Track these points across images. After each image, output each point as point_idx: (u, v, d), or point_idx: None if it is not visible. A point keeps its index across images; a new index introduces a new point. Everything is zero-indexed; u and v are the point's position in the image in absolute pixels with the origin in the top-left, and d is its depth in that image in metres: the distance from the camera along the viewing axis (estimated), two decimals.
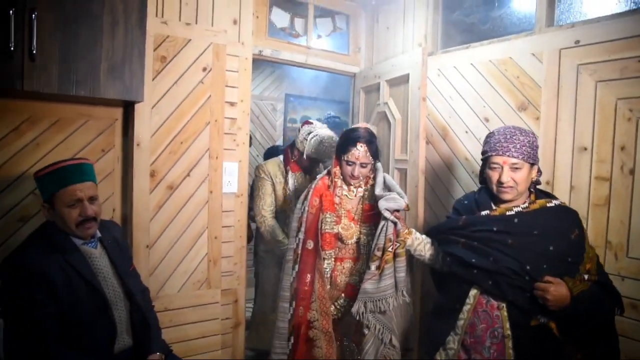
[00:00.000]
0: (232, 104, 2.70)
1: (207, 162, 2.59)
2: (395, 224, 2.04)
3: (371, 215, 2.22)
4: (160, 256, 2.48)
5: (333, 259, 2.23)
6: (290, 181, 2.88)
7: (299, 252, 2.20)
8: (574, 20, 2.37)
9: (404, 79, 2.84)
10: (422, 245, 2.13)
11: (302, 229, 2.22)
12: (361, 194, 2.29)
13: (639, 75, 2.07)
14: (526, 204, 1.87)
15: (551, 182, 2.38)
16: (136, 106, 2.35)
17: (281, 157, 3.02)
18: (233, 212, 2.76)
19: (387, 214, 2.04)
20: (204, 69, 2.53)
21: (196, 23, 2.50)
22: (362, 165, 2.19)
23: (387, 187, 2.17)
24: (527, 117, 2.49)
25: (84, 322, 1.71)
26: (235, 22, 2.67)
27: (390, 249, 2.02)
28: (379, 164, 2.29)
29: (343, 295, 2.23)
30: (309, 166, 2.92)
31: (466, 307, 1.84)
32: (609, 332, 1.80)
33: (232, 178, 2.75)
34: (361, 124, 2.33)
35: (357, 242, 2.25)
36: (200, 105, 2.54)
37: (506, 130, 1.87)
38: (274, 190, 2.89)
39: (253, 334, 3.14)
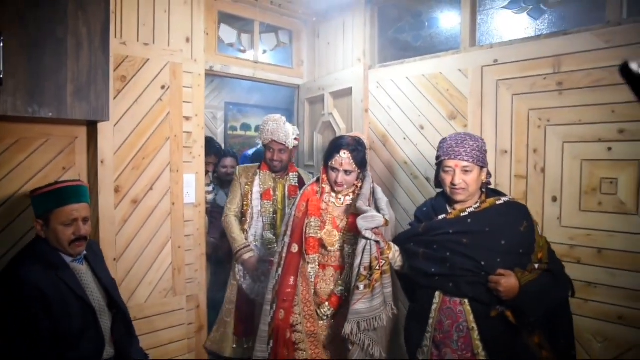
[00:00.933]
0: (187, 118, 2.82)
1: (169, 176, 2.71)
2: (377, 242, 2.03)
3: (355, 225, 2.18)
4: (128, 268, 2.57)
5: (317, 264, 2.25)
6: (256, 181, 2.94)
7: (284, 255, 2.24)
8: (493, 42, 2.77)
9: (347, 92, 3.11)
10: (398, 256, 2.16)
11: (288, 232, 2.27)
12: (348, 203, 2.31)
13: (546, 90, 2.48)
14: (477, 204, 2.00)
15: None
16: (99, 125, 2.42)
17: None
18: (192, 222, 2.89)
19: (368, 234, 2.02)
20: (163, 87, 2.65)
21: (154, 43, 2.61)
22: (346, 173, 2.22)
23: (375, 200, 2.22)
24: (456, 124, 2.86)
25: (74, 334, 1.80)
26: (188, 40, 2.80)
27: (377, 268, 2.01)
28: (368, 174, 2.33)
29: (327, 304, 2.23)
30: (274, 161, 2.91)
31: (433, 307, 1.97)
32: (562, 314, 1.95)
33: (190, 189, 2.88)
34: (352, 133, 2.42)
35: (341, 250, 2.25)
36: (160, 121, 2.65)
37: (457, 136, 2.01)
38: (241, 191, 2.97)
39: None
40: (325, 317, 2.22)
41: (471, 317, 1.89)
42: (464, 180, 1.94)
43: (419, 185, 3.07)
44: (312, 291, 2.21)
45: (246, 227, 2.92)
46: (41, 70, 2.05)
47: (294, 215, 2.28)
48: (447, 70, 2.90)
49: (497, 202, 1.99)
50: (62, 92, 2.11)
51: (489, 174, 2.06)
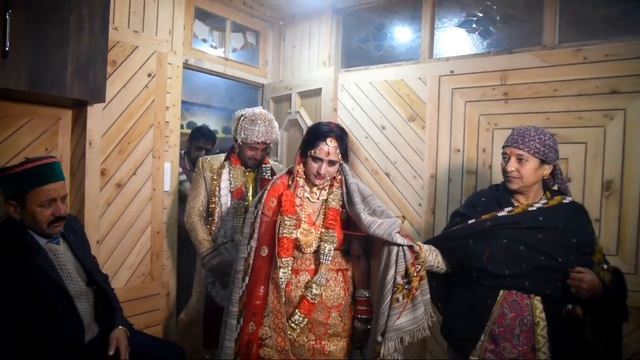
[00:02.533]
0: (167, 108, 2.90)
1: (151, 162, 2.76)
2: (411, 247, 1.85)
3: (339, 222, 2.01)
4: (110, 251, 2.58)
5: (290, 269, 1.95)
6: (225, 176, 2.60)
7: (251, 261, 1.94)
8: (449, 55, 3.18)
9: (317, 92, 3.36)
10: (432, 255, 2.00)
11: (255, 235, 1.96)
12: (324, 197, 2.06)
13: (494, 99, 2.92)
14: (545, 201, 1.96)
15: (435, 175, 3.13)
16: (89, 107, 2.43)
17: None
18: (167, 209, 2.94)
19: (400, 240, 1.82)
20: (149, 75, 2.71)
21: (143, 31, 2.67)
22: (331, 163, 1.97)
23: (364, 198, 2.02)
24: (415, 126, 3.22)
25: (53, 319, 1.78)
26: (170, 32, 2.89)
27: (415, 275, 1.82)
28: (346, 168, 2.11)
29: (298, 311, 1.93)
30: (252, 159, 2.61)
31: (497, 299, 1.89)
32: (623, 314, 1.91)
33: (167, 177, 2.94)
34: (332, 121, 2.16)
35: (316, 251, 1.99)
36: (145, 108, 2.70)
37: (523, 127, 1.99)
38: (206, 187, 2.63)
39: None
40: (297, 329, 1.93)
41: (537, 312, 1.84)
42: (517, 169, 1.91)
43: (378, 179, 3.39)
44: (283, 300, 1.90)
45: (214, 228, 2.60)
46: (44, 47, 2.07)
47: (262, 213, 1.98)
48: (407, 77, 3.26)
49: (564, 201, 1.97)
50: (63, 71, 2.14)
51: (554, 173, 2.01)
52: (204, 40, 3.40)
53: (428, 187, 3.17)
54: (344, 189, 2.04)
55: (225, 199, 2.60)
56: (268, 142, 2.57)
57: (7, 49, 1.92)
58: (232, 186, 2.60)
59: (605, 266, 1.90)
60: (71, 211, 2.48)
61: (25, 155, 2.30)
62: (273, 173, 2.69)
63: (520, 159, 1.91)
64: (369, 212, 1.94)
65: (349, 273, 2.05)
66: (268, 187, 2.04)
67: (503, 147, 2.02)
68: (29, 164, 1.82)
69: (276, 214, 1.96)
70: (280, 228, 1.92)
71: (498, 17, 3.05)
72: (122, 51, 2.56)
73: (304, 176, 2.04)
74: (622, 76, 2.56)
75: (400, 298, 1.81)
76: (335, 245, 1.96)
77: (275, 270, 1.90)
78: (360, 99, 3.45)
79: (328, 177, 2.01)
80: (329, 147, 1.95)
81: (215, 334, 2.36)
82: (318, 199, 2.06)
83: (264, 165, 2.70)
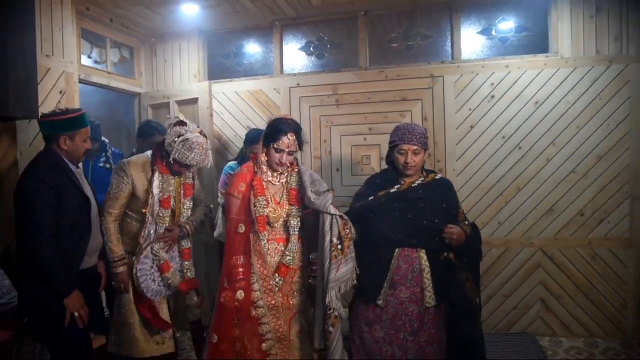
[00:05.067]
0: None
1: None
2: (341, 215, 2.30)
3: (298, 198, 2.43)
4: None
5: (266, 240, 2.38)
6: (155, 182, 2.60)
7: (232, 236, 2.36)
8: (296, 72, 4.27)
9: (194, 101, 4.13)
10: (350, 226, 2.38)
11: (232, 215, 2.38)
12: (284, 180, 2.48)
13: (329, 104, 4.10)
14: (422, 179, 2.52)
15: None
16: (17, 122, 2.86)
17: (148, 153, 2.73)
18: None
19: (332, 210, 2.27)
20: (60, 92, 3.18)
21: (53, 55, 3.13)
22: (290, 153, 2.37)
23: (312, 181, 2.42)
24: None
25: (75, 220, 2.41)
26: (69, 52, 3.36)
27: (346, 236, 2.27)
28: (297, 155, 2.48)
29: (277, 275, 2.37)
30: (179, 171, 2.66)
31: (394, 254, 2.42)
32: (479, 255, 2.62)
33: None
34: (286, 115, 2.63)
35: (284, 224, 2.43)
36: None
37: (408, 125, 2.50)
38: (135, 192, 2.60)
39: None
40: (277, 288, 2.36)
41: (423, 261, 2.41)
42: (414, 160, 2.43)
43: None
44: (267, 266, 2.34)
45: (144, 233, 2.60)
46: None
47: (233, 196, 2.37)
48: (265, 88, 4.26)
49: (436, 177, 2.57)
50: (6, 94, 2.58)
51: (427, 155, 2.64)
52: (89, 57, 3.87)
53: None
54: (299, 172, 2.48)
55: (155, 207, 2.61)
56: (199, 166, 2.63)
57: None
58: (160, 195, 2.61)
59: (466, 222, 2.54)
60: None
61: None
62: (194, 177, 2.82)
63: (416, 153, 2.43)
64: (315, 192, 2.36)
65: (305, 239, 2.49)
66: (234, 175, 2.47)
67: (396, 143, 2.46)
68: (77, 112, 2.47)
69: (247, 197, 2.36)
70: (255, 208, 2.33)
71: (329, 45, 4.24)
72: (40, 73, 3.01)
73: (266, 164, 2.44)
74: (408, 89, 3.95)
75: (337, 255, 2.24)
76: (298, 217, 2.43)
77: (259, 242, 2.34)
78: (228, 105, 4.33)
79: (287, 164, 2.43)
80: (289, 140, 2.35)
81: (156, 318, 2.62)
82: (279, 181, 2.47)
83: (188, 172, 2.74)
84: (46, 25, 3.09)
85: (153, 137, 3.50)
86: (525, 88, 3.72)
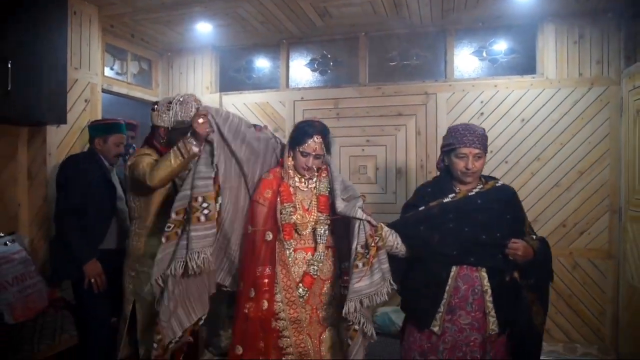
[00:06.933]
0: None
1: None
2: (369, 221, 2.08)
3: (328, 206, 2.26)
4: None
5: (293, 250, 2.22)
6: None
7: (257, 244, 2.21)
8: (300, 86, 4.59)
9: None
10: (392, 236, 2.16)
11: (260, 222, 2.22)
12: (313, 186, 2.31)
13: (331, 117, 4.37)
14: (481, 186, 2.18)
15: None
16: (48, 127, 3.21)
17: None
18: None
19: (360, 215, 2.06)
20: (86, 101, 3.54)
21: (80, 67, 3.49)
22: (316, 157, 2.23)
23: (345, 187, 2.25)
24: (279, 135, 4.53)
25: (101, 204, 2.82)
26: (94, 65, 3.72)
27: (373, 244, 2.04)
28: (329, 158, 2.33)
29: (301, 285, 2.20)
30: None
31: (451, 275, 2.08)
32: (550, 275, 2.23)
33: None
34: (314, 118, 2.46)
35: (312, 232, 2.25)
36: (83, 127, 3.51)
37: (467, 125, 2.16)
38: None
39: None
40: (301, 299, 2.20)
41: (485, 281, 2.07)
42: (475, 165, 2.09)
43: None
44: (291, 277, 2.20)
45: None
46: (35, 84, 2.86)
47: (258, 203, 2.24)
48: (271, 101, 4.59)
49: (496, 185, 2.21)
50: (43, 102, 2.94)
51: None
52: (111, 69, 4.24)
53: None
54: (330, 178, 2.30)
55: None
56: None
57: (9, 88, 2.69)
58: None
59: (534, 236, 2.19)
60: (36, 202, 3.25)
61: None
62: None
63: (478, 157, 2.11)
64: (345, 200, 2.18)
65: (336, 249, 2.32)
66: (260, 180, 2.30)
67: (455, 146, 2.14)
68: (115, 120, 3.00)
69: (273, 204, 2.23)
70: (282, 215, 2.21)
71: (331, 63, 4.57)
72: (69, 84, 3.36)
73: (294, 168, 2.29)
74: (404, 105, 4.25)
75: (360, 265, 2.03)
76: (328, 226, 2.25)
77: (284, 252, 2.20)
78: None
79: (314, 168, 2.26)
80: (315, 144, 2.22)
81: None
82: (307, 187, 2.30)
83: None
84: (76, 41, 3.45)
85: None
86: (512, 106, 3.98)
